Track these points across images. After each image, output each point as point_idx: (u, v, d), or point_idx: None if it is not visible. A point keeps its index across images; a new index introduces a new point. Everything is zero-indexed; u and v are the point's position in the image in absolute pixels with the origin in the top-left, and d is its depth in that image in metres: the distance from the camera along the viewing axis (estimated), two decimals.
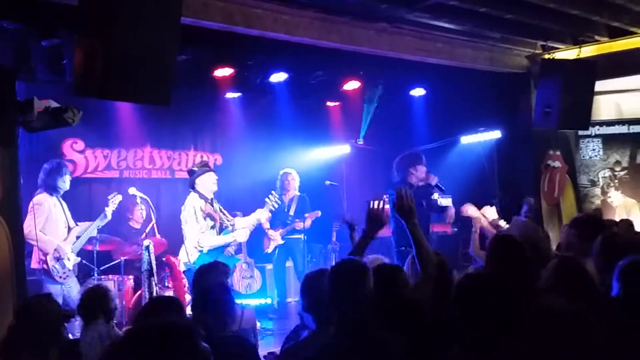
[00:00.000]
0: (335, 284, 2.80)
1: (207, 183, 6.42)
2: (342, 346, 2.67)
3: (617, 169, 8.06)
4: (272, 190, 6.89)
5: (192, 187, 6.41)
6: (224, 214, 6.57)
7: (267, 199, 6.65)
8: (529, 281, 3.14)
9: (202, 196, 6.35)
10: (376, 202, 3.48)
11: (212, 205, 6.42)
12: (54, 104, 4.83)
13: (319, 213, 8.17)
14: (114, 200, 6.33)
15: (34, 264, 5.89)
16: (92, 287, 4.01)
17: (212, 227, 6.37)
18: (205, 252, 6.20)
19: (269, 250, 8.24)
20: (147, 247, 5.97)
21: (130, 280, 6.77)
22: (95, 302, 3.75)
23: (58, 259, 5.89)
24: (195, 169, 6.51)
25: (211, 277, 3.78)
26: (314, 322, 3.16)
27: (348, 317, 2.71)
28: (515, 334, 2.29)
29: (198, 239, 6.23)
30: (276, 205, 6.84)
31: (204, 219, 6.30)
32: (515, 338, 2.29)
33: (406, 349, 2.67)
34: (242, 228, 6.50)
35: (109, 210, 6.24)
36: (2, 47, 4.71)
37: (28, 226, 5.45)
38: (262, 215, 6.68)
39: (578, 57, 6.69)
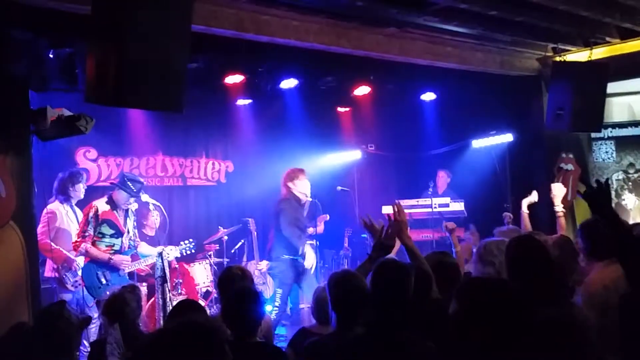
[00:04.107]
0: (376, 283, 2.81)
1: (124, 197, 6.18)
2: (372, 344, 2.68)
3: (631, 171, 7.99)
4: (189, 238, 6.93)
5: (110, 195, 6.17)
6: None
7: (182, 242, 6.78)
8: (555, 288, 2.93)
9: (110, 201, 6.11)
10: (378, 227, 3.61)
11: (125, 218, 6.19)
12: (67, 113, 4.86)
13: (327, 217, 8.17)
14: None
15: (48, 273, 5.94)
16: (113, 292, 4.06)
17: (114, 236, 6.11)
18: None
19: None
20: (161, 254, 5.98)
21: (143, 287, 6.78)
22: (115, 305, 3.83)
23: (69, 269, 5.93)
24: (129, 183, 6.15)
25: (238, 283, 3.77)
26: (335, 322, 3.17)
27: (383, 317, 2.72)
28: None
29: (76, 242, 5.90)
30: (188, 252, 6.86)
31: (100, 223, 6.01)
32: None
33: (436, 356, 2.66)
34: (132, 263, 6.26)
35: None
36: (14, 56, 4.74)
37: (40, 234, 5.48)
38: (171, 253, 6.57)
39: (589, 59, 6.64)
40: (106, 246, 6.02)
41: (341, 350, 2.76)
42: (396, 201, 3.64)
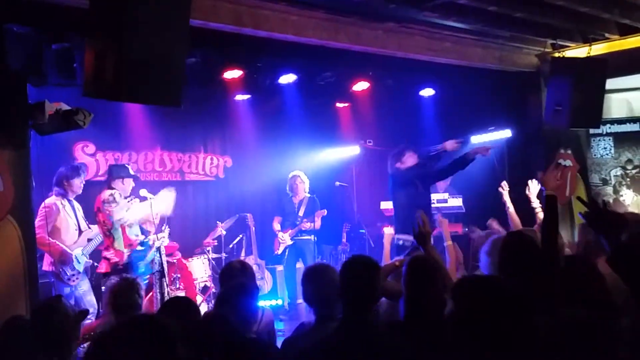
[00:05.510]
0: (345, 278, 2.82)
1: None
2: (344, 341, 2.67)
3: (629, 167, 7.99)
4: (167, 225, 6.60)
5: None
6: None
7: (163, 228, 6.56)
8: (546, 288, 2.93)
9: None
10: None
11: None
12: (65, 107, 4.85)
13: (325, 212, 8.18)
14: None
15: (46, 267, 5.94)
16: (119, 280, 4.03)
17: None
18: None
19: (279, 252, 8.26)
20: (159, 249, 5.98)
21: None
22: (118, 292, 3.83)
23: (64, 263, 5.93)
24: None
25: (236, 278, 3.76)
26: (314, 316, 3.17)
27: (354, 312, 2.72)
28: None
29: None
30: (167, 242, 6.64)
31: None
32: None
33: (413, 354, 2.65)
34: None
35: None
36: (13, 51, 4.72)
37: (37, 228, 5.48)
38: (164, 240, 6.46)
39: (588, 55, 6.64)
40: (135, 236, 6.07)
41: (317, 346, 2.76)
42: (420, 212, 3.66)
